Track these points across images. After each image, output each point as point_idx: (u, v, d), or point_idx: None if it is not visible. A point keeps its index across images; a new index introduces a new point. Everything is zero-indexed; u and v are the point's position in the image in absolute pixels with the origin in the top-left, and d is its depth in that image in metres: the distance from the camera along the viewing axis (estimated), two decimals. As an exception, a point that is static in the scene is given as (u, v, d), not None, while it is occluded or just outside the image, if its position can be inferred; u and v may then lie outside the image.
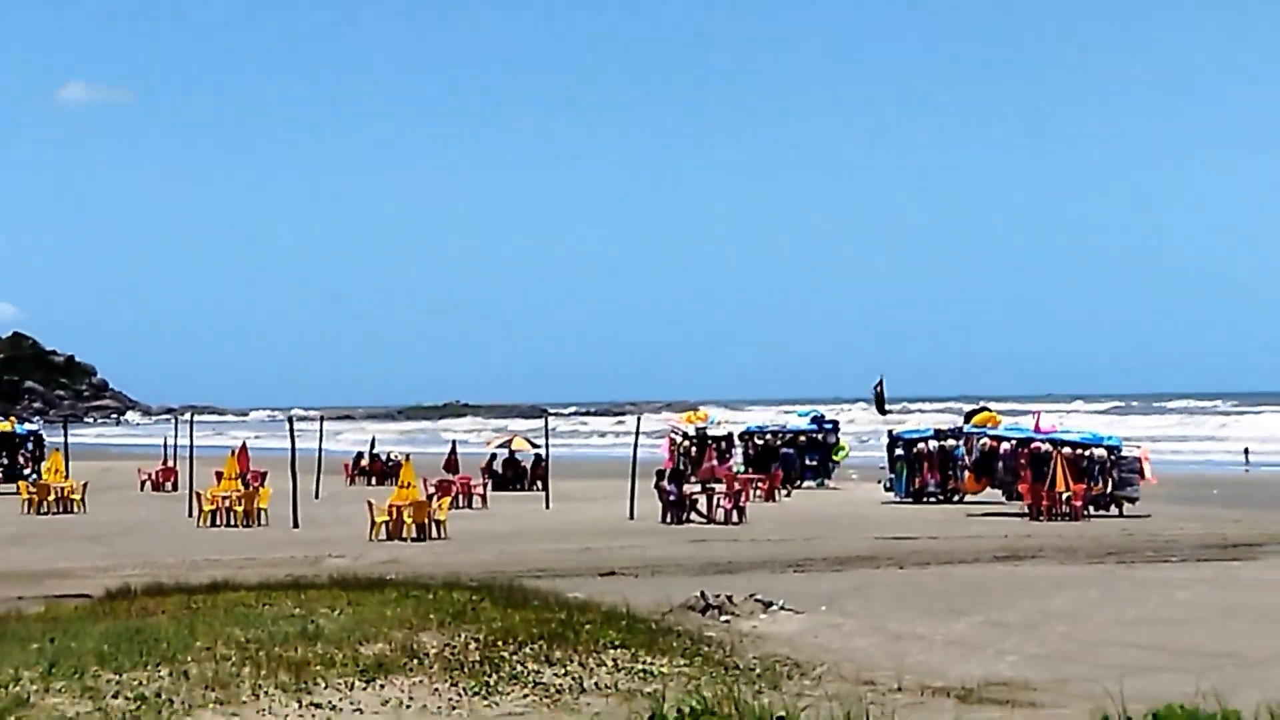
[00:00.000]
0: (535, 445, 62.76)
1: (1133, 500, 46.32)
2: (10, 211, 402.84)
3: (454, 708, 13.81)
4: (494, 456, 64.17)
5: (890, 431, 59.69)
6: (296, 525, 41.29)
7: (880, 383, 70.31)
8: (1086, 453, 46.97)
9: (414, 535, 37.47)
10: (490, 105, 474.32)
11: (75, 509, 48.01)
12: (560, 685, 14.98)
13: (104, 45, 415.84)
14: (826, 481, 61.79)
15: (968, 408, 64.79)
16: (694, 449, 58.37)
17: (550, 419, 74.40)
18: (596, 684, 15.22)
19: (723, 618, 21.49)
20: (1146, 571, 30.10)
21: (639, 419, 56.76)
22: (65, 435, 66.99)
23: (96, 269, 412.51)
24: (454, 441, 74.51)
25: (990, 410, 58.75)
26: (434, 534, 38.00)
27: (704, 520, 42.99)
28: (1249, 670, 16.17)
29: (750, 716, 10.95)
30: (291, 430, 52.26)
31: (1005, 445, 49.82)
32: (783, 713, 11.42)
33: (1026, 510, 44.77)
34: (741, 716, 11.03)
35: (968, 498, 50.70)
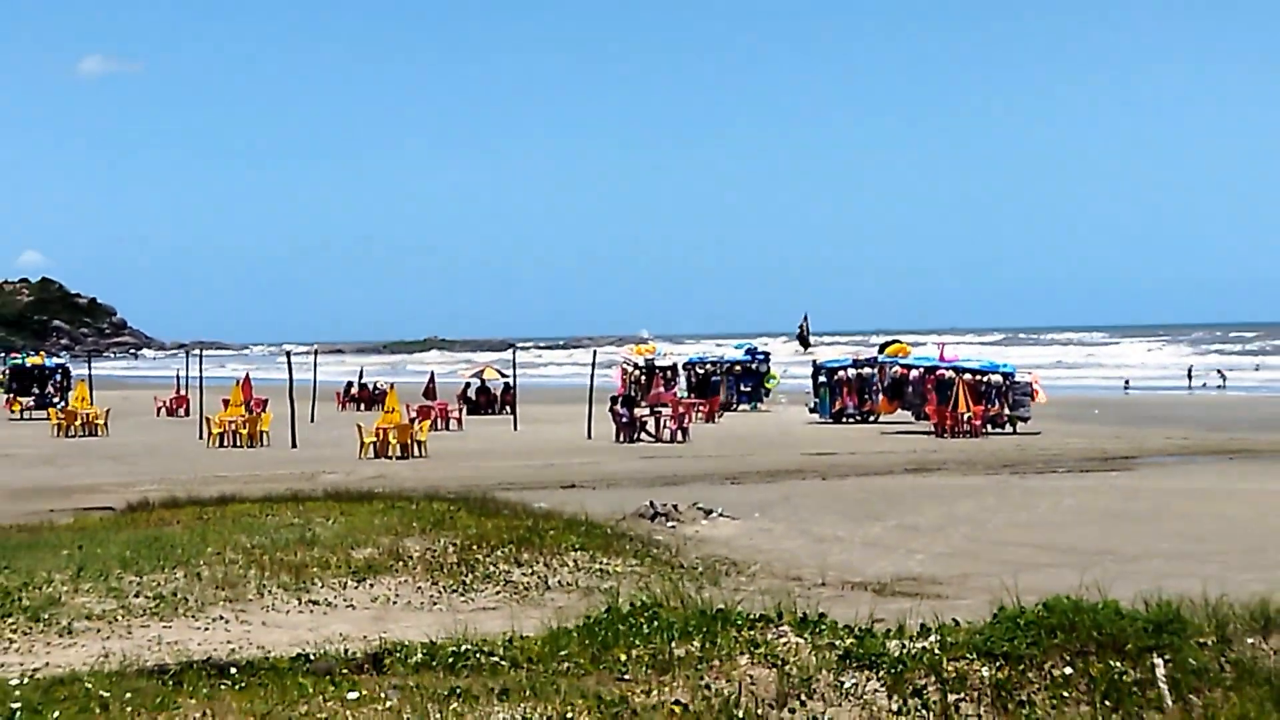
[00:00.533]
0: (504, 375, 62.39)
1: (1025, 419, 46.86)
2: (39, 170, 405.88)
3: (434, 604, 14.14)
4: (468, 385, 64.14)
5: (815, 361, 60.63)
6: (294, 446, 41.23)
7: (805, 320, 72.28)
8: (984, 378, 47.63)
9: (398, 454, 37.47)
10: (464, 62, 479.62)
11: (99, 433, 48.01)
12: (527, 583, 15.37)
13: (117, 22, 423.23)
14: (759, 405, 62.01)
15: (880, 340, 66.76)
16: (643, 377, 58.57)
17: (516, 352, 75.27)
18: (560, 582, 15.58)
19: (669, 524, 21.64)
20: (1037, 481, 30.36)
21: (594, 352, 57.70)
22: (89, 368, 67.34)
23: (115, 221, 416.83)
24: (432, 372, 74.07)
25: (901, 342, 59.33)
26: (415, 453, 37.98)
27: (652, 439, 43.26)
28: (1125, 565, 16.48)
29: (693, 609, 10.97)
30: (289, 363, 53.10)
31: (914, 372, 50.20)
32: (721, 605, 11.42)
33: (932, 429, 45.31)
34: (686, 609, 11.04)
35: (882, 418, 51.09)
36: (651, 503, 23.47)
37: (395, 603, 14.02)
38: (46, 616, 12.61)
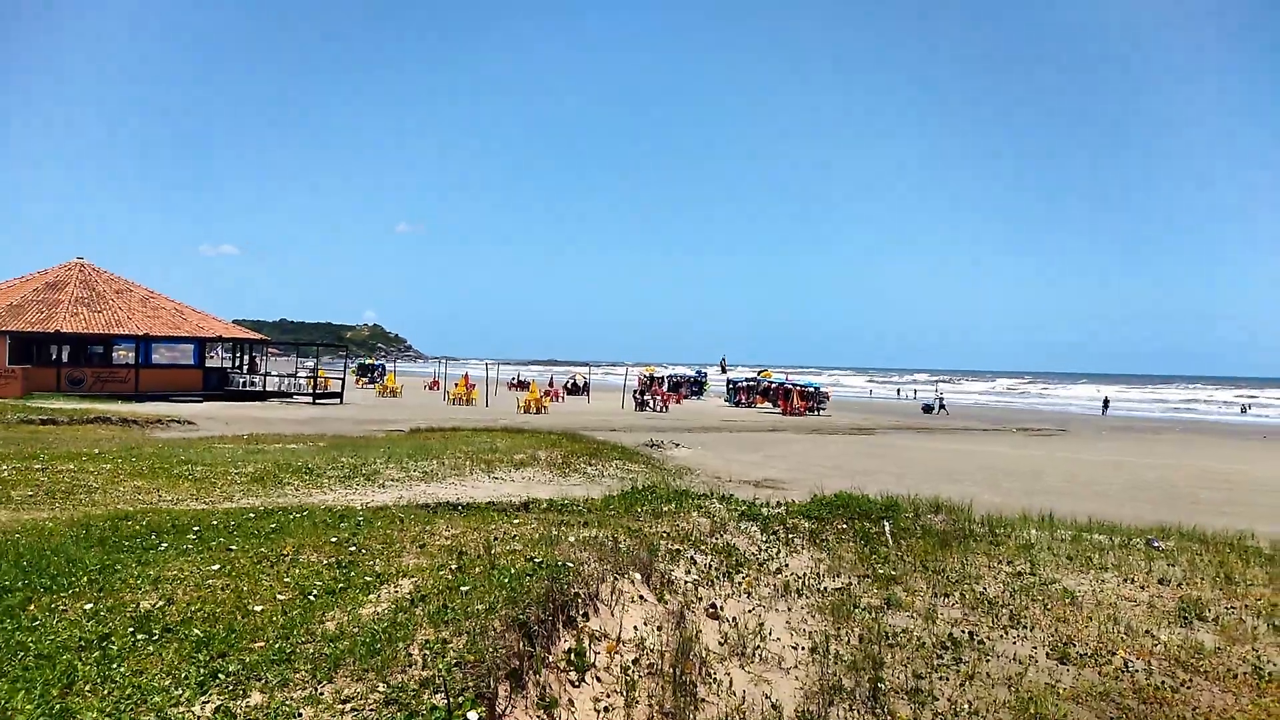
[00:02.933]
0: (586, 377, 66.21)
1: (824, 409, 48.91)
2: (372, 274, 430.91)
3: (551, 482, 14.58)
4: (570, 379, 66.72)
5: (729, 378, 63.68)
6: (487, 405, 43.27)
7: (724, 358, 77.56)
8: (808, 388, 50.50)
9: (535, 412, 39.23)
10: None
11: (397, 395, 49.75)
12: (594, 474, 15.99)
13: (415, 199, 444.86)
14: (701, 398, 63.87)
15: (759, 370, 70.35)
16: (649, 380, 60.30)
17: (591, 367, 79.65)
18: (610, 474, 16.15)
19: (658, 449, 22.57)
20: (830, 437, 31.55)
21: (627, 369, 65.41)
22: (395, 365, 74.68)
23: (405, 295, 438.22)
24: (552, 375, 79.40)
25: (767, 370, 65.19)
26: (542, 412, 39.81)
27: (652, 410, 44.92)
28: (870, 478, 16.73)
29: (671, 491, 11.60)
30: (487, 369, 59.30)
31: (774, 384, 53.87)
32: (684, 489, 12.16)
33: (780, 412, 46.89)
34: (668, 490, 11.60)
35: (757, 407, 52.32)
36: (651, 439, 24.69)
37: (533, 481, 14.58)
38: (372, 479, 13.39)
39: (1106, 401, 69.35)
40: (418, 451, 17.07)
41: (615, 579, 5.83)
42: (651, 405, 46.13)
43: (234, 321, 45.42)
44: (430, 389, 61.52)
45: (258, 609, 4.62)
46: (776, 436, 31.31)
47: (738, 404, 54.49)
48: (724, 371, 75.01)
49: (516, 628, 4.25)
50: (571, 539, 6.80)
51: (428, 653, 3.96)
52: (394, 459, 15.63)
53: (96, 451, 15.21)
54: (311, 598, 4.83)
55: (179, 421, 26.90)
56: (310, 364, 59.22)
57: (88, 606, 4.69)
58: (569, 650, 4.53)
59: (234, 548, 6.32)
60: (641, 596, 5.79)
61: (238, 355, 45.43)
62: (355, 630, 4.25)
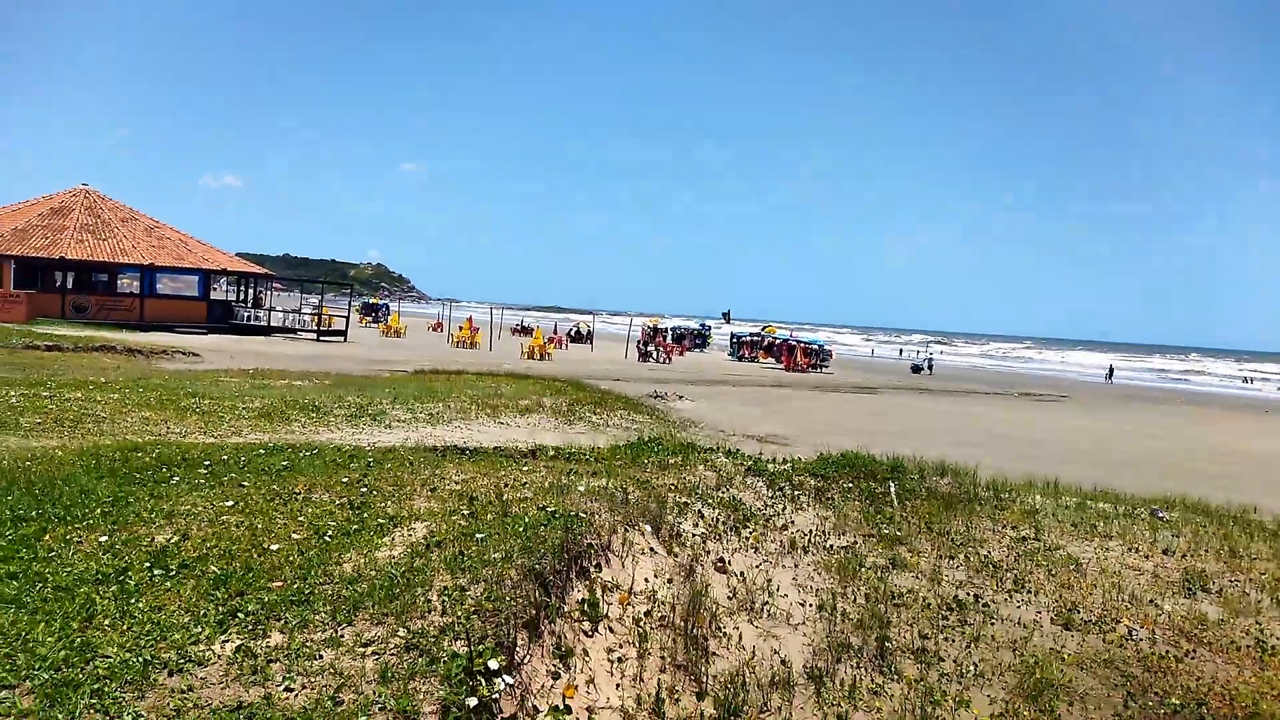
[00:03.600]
0: (590, 326, 66.42)
1: (827, 367, 49.09)
2: (375, 211, 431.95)
3: (556, 429, 14.51)
4: (574, 327, 67.45)
5: (732, 332, 63.32)
6: (490, 349, 43.34)
7: (728, 311, 78.09)
8: (811, 345, 50.44)
9: (539, 358, 39.12)
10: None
11: (401, 336, 49.82)
12: (599, 422, 15.92)
13: (423, 138, 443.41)
14: (704, 351, 64.04)
15: (763, 325, 70.42)
16: (653, 331, 59.87)
17: (596, 315, 79.18)
18: (613, 423, 16.09)
19: (662, 401, 22.62)
20: (832, 395, 31.70)
21: (630, 319, 64.16)
22: (399, 306, 73.73)
23: (413, 234, 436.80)
24: (556, 323, 79.80)
25: (771, 325, 65.04)
26: (546, 359, 39.70)
27: (655, 361, 44.98)
28: (873, 437, 16.78)
29: (677, 443, 11.57)
30: (492, 312, 59.41)
31: (778, 340, 53.94)
32: (690, 442, 12.09)
33: (784, 368, 47.02)
34: (674, 442, 11.59)
35: (760, 362, 52.22)
36: (654, 390, 24.76)
37: (539, 427, 14.45)
38: (378, 419, 13.35)
39: (1111, 370, 69.27)
40: (423, 393, 17.07)
41: (625, 530, 5.84)
42: (655, 356, 46.19)
43: (237, 254, 45.20)
44: (434, 330, 61.55)
45: (274, 548, 4.63)
46: (779, 392, 31.35)
47: (740, 358, 54.53)
48: (727, 323, 75.11)
49: (533, 577, 4.26)
50: (581, 489, 6.81)
51: (446, 599, 3.97)
52: (400, 400, 15.63)
53: (103, 380, 15.22)
54: (327, 538, 4.83)
55: (184, 353, 26.93)
56: (314, 301, 59.12)
57: (103, 539, 4.70)
58: (582, 601, 4.55)
59: (246, 484, 6.33)
60: (652, 549, 5.81)
61: (242, 289, 45.32)
62: (373, 573, 4.25)
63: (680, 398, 23.81)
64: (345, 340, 40.49)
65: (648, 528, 6.02)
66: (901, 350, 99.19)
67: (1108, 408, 36.98)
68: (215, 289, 44.43)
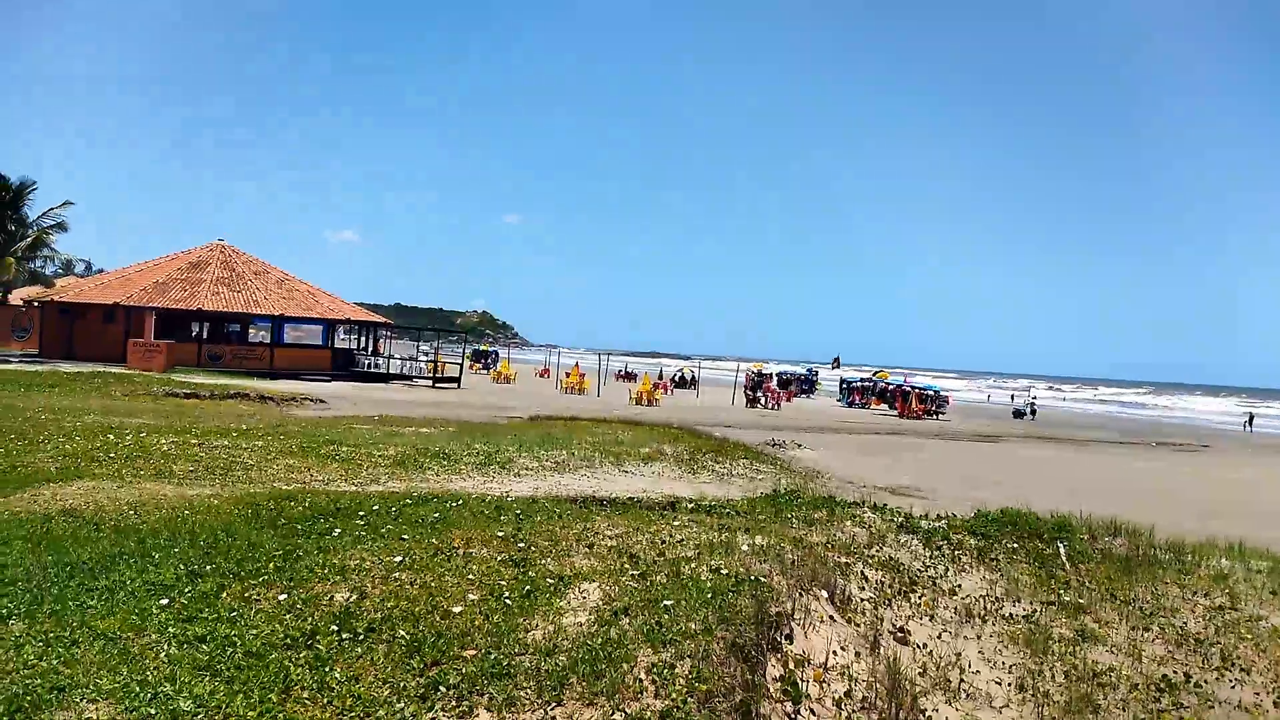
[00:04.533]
0: (695, 371, 66.35)
1: (944, 413, 47.39)
2: (482, 266, 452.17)
3: (681, 478, 14.27)
4: (679, 372, 67.84)
5: (842, 377, 63.00)
6: (599, 395, 43.92)
7: (837, 357, 76.54)
8: (927, 391, 48.94)
9: (647, 404, 39.45)
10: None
11: (512, 382, 50.38)
12: (722, 472, 15.56)
13: (524, 194, 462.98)
14: (811, 396, 62.91)
15: (874, 370, 68.66)
16: (758, 377, 59.17)
17: (701, 361, 79.23)
18: (737, 473, 15.70)
19: (781, 449, 22.10)
20: (954, 444, 30.63)
21: (737, 365, 63.09)
22: (508, 353, 75.59)
23: (516, 283, 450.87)
24: (661, 368, 79.37)
25: (884, 370, 63.33)
26: (654, 404, 39.94)
27: (764, 407, 44.54)
28: (1011, 490, 15.53)
29: (816, 496, 11.18)
30: (600, 360, 59.06)
31: (891, 386, 52.26)
32: (830, 494, 11.69)
33: (898, 414, 45.52)
34: (813, 495, 11.23)
35: (871, 408, 50.87)
36: (772, 438, 24.21)
37: (663, 476, 14.21)
38: (506, 467, 13.33)
39: (1251, 417, 64.81)
40: (545, 440, 17.00)
41: (800, 595, 5.44)
42: (764, 402, 45.54)
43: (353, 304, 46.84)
44: (541, 376, 62.29)
45: (456, 610, 4.43)
46: (899, 441, 30.31)
47: (851, 404, 53.27)
48: (837, 368, 73.78)
49: (735, 652, 3.92)
50: (745, 547, 6.44)
51: (656, 678, 3.67)
52: (524, 447, 15.59)
53: (244, 427, 15.67)
54: (506, 601, 4.62)
55: (312, 400, 27.78)
56: (426, 347, 60.68)
57: (282, 598, 4.60)
58: (780, 678, 4.17)
59: (406, 538, 6.22)
60: (831, 616, 5.40)
61: (362, 337, 46.82)
62: (566, 643, 4.00)
63: (799, 446, 23.21)
64: (459, 387, 41.26)
65: (823, 593, 5.62)
66: (1013, 395, 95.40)
67: (1256, 458, 34.43)
68: (343, 340, 46.06)
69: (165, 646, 3.89)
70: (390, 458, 13.08)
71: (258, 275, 41.11)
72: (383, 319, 46.70)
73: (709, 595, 4.78)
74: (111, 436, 12.59)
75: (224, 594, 4.68)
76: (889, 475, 18.94)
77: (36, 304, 39.68)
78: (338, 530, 6.36)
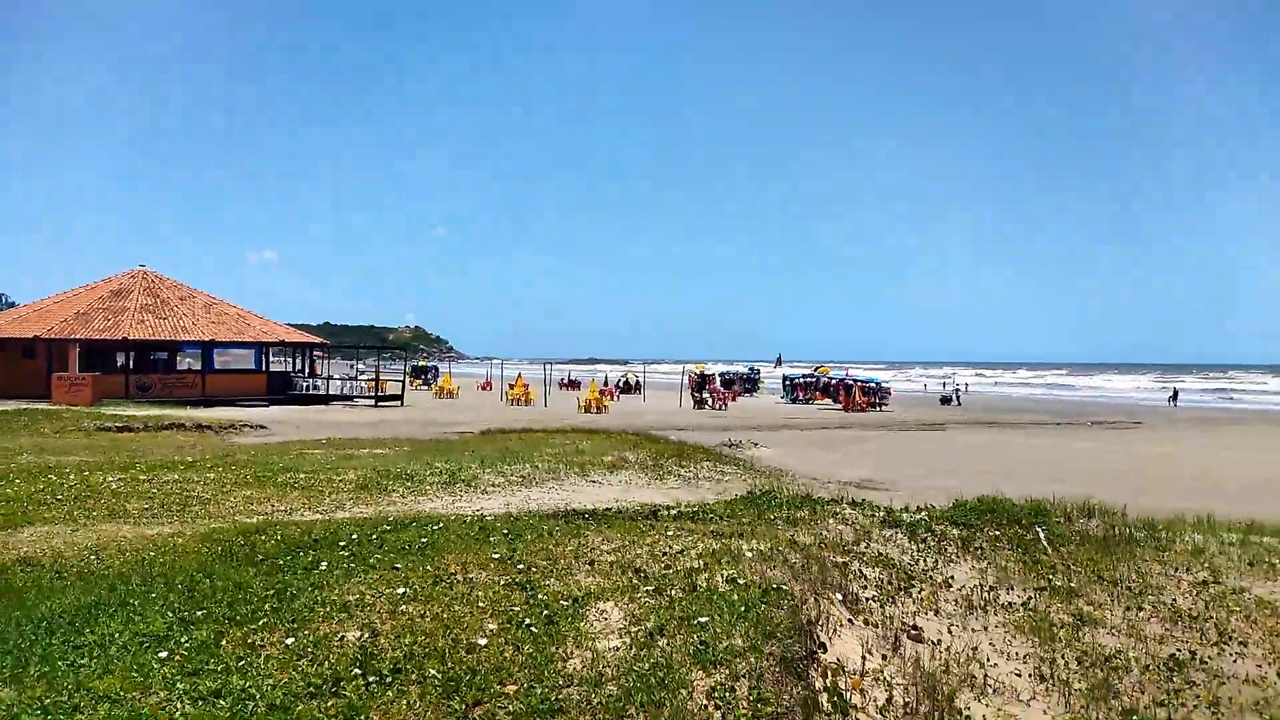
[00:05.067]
0: (638, 375, 66.33)
1: (886, 405, 47.94)
2: (412, 276, 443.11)
3: (649, 485, 14.17)
4: (623, 378, 67.75)
5: (784, 374, 63.29)
6: (545, 405, 43.38)
7: (779, 356, 77.23)
8: (869, 384, 49.48)
9: (596, 411, 39.05)
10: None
11: (454, 396, 49.63)
12: (688, 476, 15.44)
13: (450, 203, 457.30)
14: (755, 395, 63.03)
15: (815, 366, 69.64)
16: (700, 378, 60.06)
17: (645, 365, 79.15)
18: (703, 476, 15.62)
19: (738, 450, 22.04)
20: (903, 434, 30.99)
21: (684, 367, 62.88)
22: (449, 367, 74.30)
23: (446, 296, 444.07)
24: (606, 375, 79.14)
25: (824, 365, 64.13)
26: (603, 411, 39.59)
27: (711, 408, 44.65)
28: (969, 478, 16.26)
29: (793, 495, 10.99)
30: (545, 369, 58.36)
31: (834, 380, 53.12)
32: (807, 492, 11.49)
33: (842, 408, 46.12)
34: (787, 494, 11.05)
35: (814, 403, 51.82)
36: (728, 439, 24.19)
37: (632, 484, 14.06)
38: (472, 484, 13.07)
39: (1175, 393, 67.26)
40: (505, 455, 16.73)
41: (818, 600, 5.34)
42: (710, 403, 45.61)
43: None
44: (483, 389, 61.55)
45: (480, 642, 4.21)
46: (848, 434, 30.62)
47: (794, 401, 53.75)
48: (778, 366, 74.35)
49: (786, 667, 3.78)
50: (749, 554, 6.32)
51: (719, 702, 3.51)
52: (485, 463, 15.30)
53: (190, 459, 15.06)
54: (530, 629, 4.41)
55: (251, 426, 26.92)
56: (362, 366, 59.44)
57: (289, 641, 4.32)
58: (824, 689, 4.05)
59: (399, 566, 5.98)
60: (850, 620, 5.32)
61: (297, 359, 45.65)
62: (611, 671, 3.81)
63: (755, 445, 23.26)
64: (403, 404, 40.47)
65: (837, 596, 5.52)
66: (944, 383, 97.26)
67: (1188, 432, 35.68)
68: (275, 362, 44.81)
69: (178, 705, 3.60)
70: (351, 482, 12.69)
71: (183, 300, 39.78)
72: (318, 339, 45.59)
73: (741, 608, 4.65)
74: (54, 477, 11.95)
75: (224, 641, 4.38)
76: (848, 469, 19.07)
77: (-52, 341, 37.75)
78: (324, 563, 6.07)
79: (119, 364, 38.19)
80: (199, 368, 39.95)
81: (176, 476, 12.38)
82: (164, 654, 4.18)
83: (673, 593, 5.13)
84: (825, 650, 4.52)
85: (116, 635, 4.51)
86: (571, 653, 4.06)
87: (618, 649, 4.06)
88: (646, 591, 5.13)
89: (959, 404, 53.56)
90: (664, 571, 5.67)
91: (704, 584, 5.24)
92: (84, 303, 38.06)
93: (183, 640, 4.41)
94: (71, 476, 12.12)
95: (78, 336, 35.16)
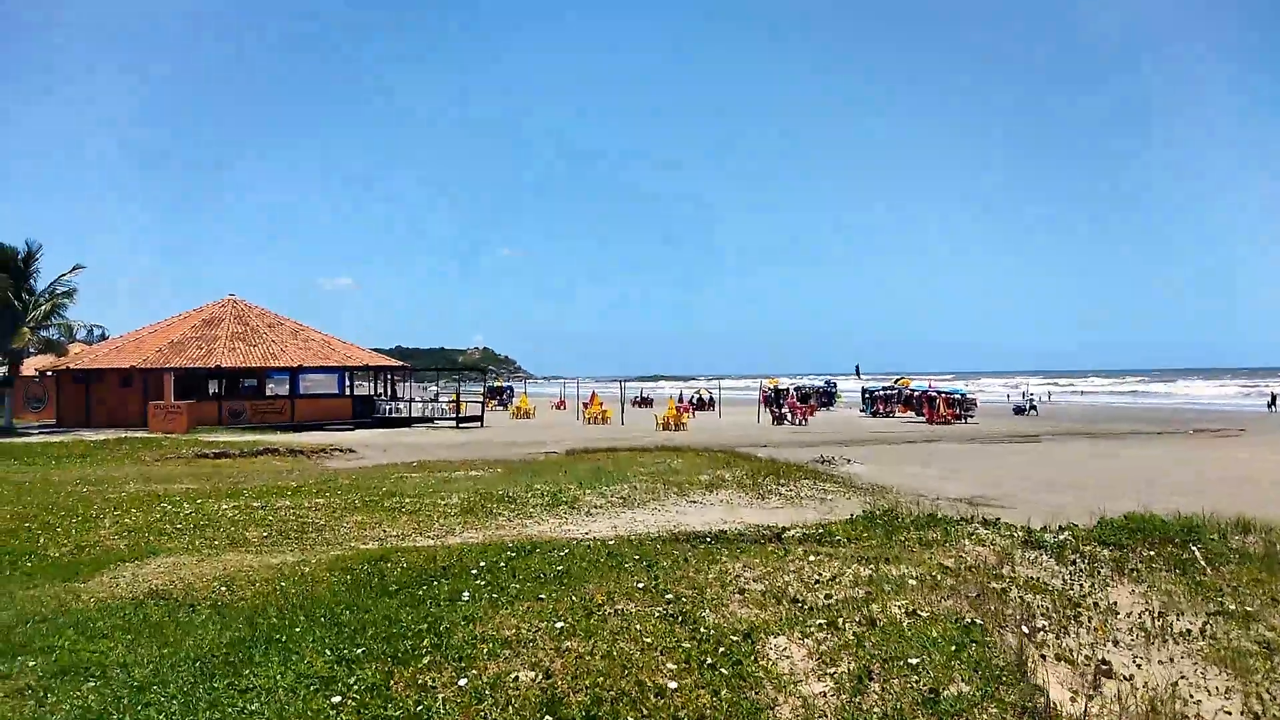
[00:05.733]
0: (711, 392, 65.70)
1: (972, 417, 46.42)
2: (479, 297, 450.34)
3: (752, 504, 13.84)
4: (696, 394, 67.11)
5: (864, 386, 62.23)
6: (623, 423, 42.99)
7: (858, 365, 75.69)
8: (953, 395, 48.41)
9: (674, 429, 38.33)
10: None
11: (531, 416, 50.07)
12: (790, 495, 14.96)
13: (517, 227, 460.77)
14: (831, 408, 61.78)
15: (896, 378, 68.05)
16: (775, 393, 58.64)
17: (720, 381, 78.54)
18: (804, 495, 15.12)
19: (832, 466, 21.43)
20: (996, 447, 29.98)
21: (761, 381, 62.72)
22: (525, 387, 75.26)
23: (513, 317, 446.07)
24: (681, 391, 78.64)
25: (905, 378, 62.83)
26: (681, 429, 38.73)
27: (791, 423, 43.81)
28: (1083, 492, 15.50)
29: (917, 514, 10.52)
30: (621, 387, 58.26)
31: (917, 392, 51.78)
32: (931, 511, 10.92)
33: (926, 420, 44.87)
34: (910, 513, 10.59)
35: (896, 416, 50.51)
36: (820, 455, 23.60)
37: (733, 504, 13.75)
38: (575, 506, 12.92)
39: (1274, 397, 64.08)
40: (599, 475, 16.58)
41: (1004, 632, 4.91)
42: (790, 418, 44.83)
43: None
44: (557, 408, 61.67)
45: (670, 685, 3.93)
46: (939, 448, 29.72)
47: (875, 414, 52.57)
48: (858, 377, 73.02)
49: (1030, 717, 3.39)
50: (911, 581, 5.91)
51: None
52: (582, 484, 15.15)
53: (294, 485, 15.19)
54: (719, 670, 4.09)
55: (341, 450, 27.23)
56: (435, 388, 60.11)
57: (462, 683, 4.10)
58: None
59: (543, 596, 5.73)
60: (1043, 656, 4.85)
61: (377, 383, 46.35)
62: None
63: (848, 461, 22.65)
64: (482, 425, 40.69)
65: (1024, 629, 5.07)
66: (1023, 394, 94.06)
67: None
68: (360, 386, 45.58)
69: (369, 756, 3.35)
70: (456, 506, 12.61)
71: (271, 328, 40.73)
72: (398, 363, 46.24)
73: (951, 648, 4.24)
74: (168, 505, 12.10)
75: (393, 682, 4.17)
76: (951, 484, 18.34)
77: (50, 373, 39.20)
78: (466, 594, 5.87)
79: (211, 392, 39.17)
80: (285, 393, 40.78)
81: (288, 503, 12.44)
82: (336, 698, 3.97)
83: (850, 627, 4.76)
84: (1044, 695, 4.10)
85: (278, 677, 4.35)
86: (776, 700, 3.73)
87: (825, 694, 3.72)
88: (818, 625, 4.77)
89: (1037, 413, 51.71)
90: (825, 602, 5.31)
91: (881, 616, 4.86)
92: (177, 332, 39.22)
93: (350, 682, 4.22)
94: (185, 505, 12.24)
95: (172, 365, 36.18)
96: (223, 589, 7.24)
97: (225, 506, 11.82)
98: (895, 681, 3.84)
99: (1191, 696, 5.22)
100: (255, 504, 12.08)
